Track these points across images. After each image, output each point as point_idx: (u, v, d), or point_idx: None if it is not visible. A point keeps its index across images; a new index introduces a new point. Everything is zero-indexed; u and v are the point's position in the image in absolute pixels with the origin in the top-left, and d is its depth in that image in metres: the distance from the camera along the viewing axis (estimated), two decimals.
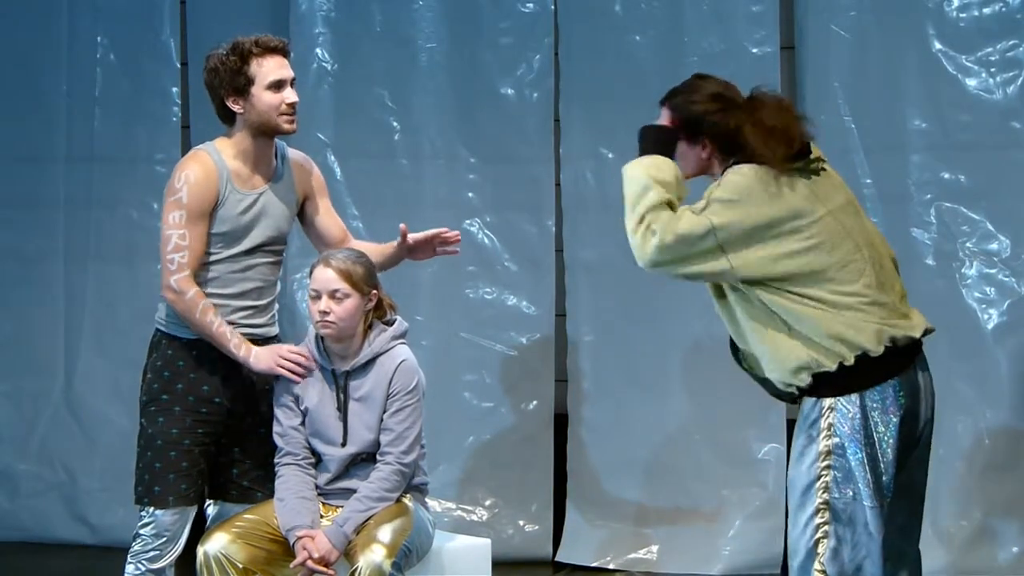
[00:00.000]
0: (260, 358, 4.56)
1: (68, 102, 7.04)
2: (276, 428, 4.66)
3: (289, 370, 4.57)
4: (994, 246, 6.18)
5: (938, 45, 6.20)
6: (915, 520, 4.09)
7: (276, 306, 4.76)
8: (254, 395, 4.69)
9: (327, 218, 4.83)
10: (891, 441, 3.87)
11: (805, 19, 6.36)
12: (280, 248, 4.70)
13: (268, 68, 4.53)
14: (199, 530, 4.65)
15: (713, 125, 4.01)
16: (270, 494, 4.63)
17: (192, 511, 4.61)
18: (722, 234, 3.87)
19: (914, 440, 3.97)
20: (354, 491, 4.58)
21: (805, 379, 3.91)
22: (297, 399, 4.64)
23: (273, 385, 4.67)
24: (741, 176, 3.93)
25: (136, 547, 4.58)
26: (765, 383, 4.07)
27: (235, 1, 6.86)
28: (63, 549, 6.96)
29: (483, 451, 6.64)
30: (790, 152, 3.94)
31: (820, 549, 3.89)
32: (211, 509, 4.77)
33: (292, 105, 4.55)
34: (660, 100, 4.11)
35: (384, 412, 4.60)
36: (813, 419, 3.93)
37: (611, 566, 6.46)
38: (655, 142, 4.02)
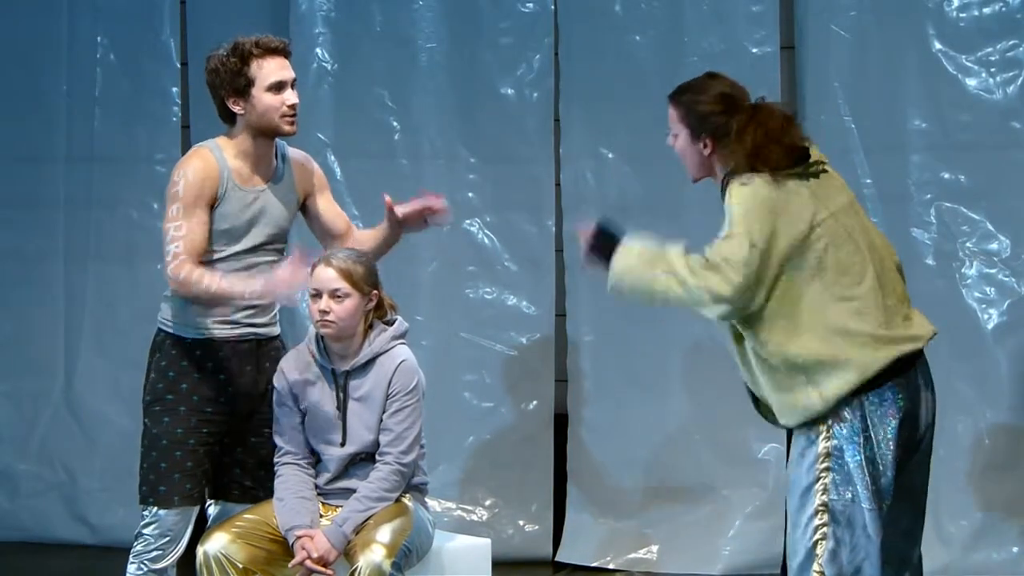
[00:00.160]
0: (274, 281, 4.46)
1: (68, 102, 7.04)
2: (275, 427, 4.66)
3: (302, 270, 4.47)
4: (994, 246, 6.19)
5: (938, 45, 6.20)
6: (918, 524, 4.09)
7: (278, 305, 4.76)
8: (258, 395, 4.69)
9: (330, 212, 4.83)
10: (890, 444, 3.87)
11: (805, 19, 6.36)
12: (281, 247, 4.70)
13: (269, 69, 4.52)
14: (199, 530, 4.65)
15: (716, 125, 4.02)
16: (272, 494, 4.63)
17: (195, 511, 4.62)
18: (759, 242, 3.84)
19: (914, 444, 3.96)
20: (353, 491, 4.58)
21: (820, 429, 3.90)
22: (296, 398, 4.64)
23: (275, 385, 4.67)
24: (748, 187, 3.90)
25: (138, 547, 4.58)
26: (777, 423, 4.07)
27: (235, 1, 6.86)
28: (63, 549, 6.96)
29: (483, 451, 6.64)
30: (787, 160, 3.94)
31: (819, 551, 3.89)
32: (212, 509, 4.77)
33: (292, 107, 4.55)
34: (669, 95, 4.11)
35: (384, 412, 4.60)
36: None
37: (611, 566, 6.46)
38: (599, 249, 4.00)
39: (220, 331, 4.60)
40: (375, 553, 4.40)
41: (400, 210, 4.73)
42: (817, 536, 3.90)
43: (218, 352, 4.59)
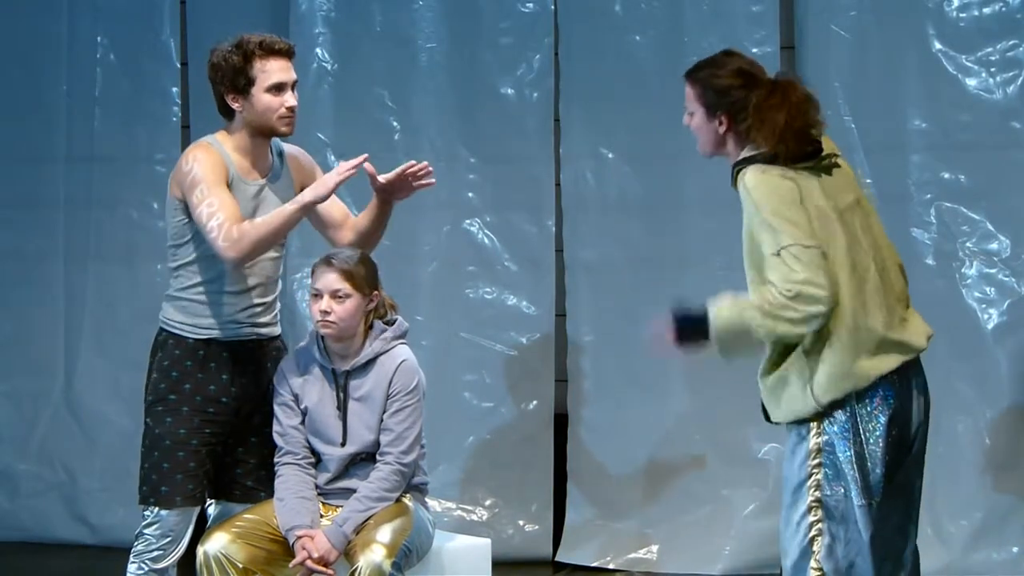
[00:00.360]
0: (320, 185, 4.47)
1: (68, 102, 7.04)
2: (276, 427, 4.66)
3: (351, 168, 4.45)
4: (994, 246, 6.19)
5: (938, 45, 6.20)
6: (912, 520, 4.07)
7: (279, 305, 4.76)
8: (260, 395, 4.69)
9: (327, 203, 4.81)
10: (879, 441, 3.87)
11: (805, 19, 6.36)
12: (281, 243, 4.69)
13: (270, 71, 4.52)
14: (200, 530, 4.65)
15: (734, 100, 3.98)
16: (273, 494, 4.63)
17: (196, 511, 4.62)
18: (791, 244, 3.82)
19: (906, 441, 3.95)
20: (354, 491, 4.58)
21: (811, 426, 3.90)
22: (297, 398, 4.65)
23: (275, 385, 4.68)
24: (765, 184, 3.87)
25: (139, 547, 4.58)
26: None
27: (235, 1, 6.86)
28: (63, 549, 6.96)
29: (483, 451, 6.64)
30: (804, 150, 3.91)
31: (815, 547, 3.89)
32: (212, 509, 4.77)
33: (291, 109, 4.54)
34: (685, 72, 4.04)
35: (384, 412, 4.60)
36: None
37: (611, 566, 6.46)
38: (688, 334, 3.96)
39: (223, 331, 4.60)
40: (375, 553, 4.41)
41: (383, 177, 4.68)
42: (812, 532, 3.89)
43: (221, 352, 4.59)
